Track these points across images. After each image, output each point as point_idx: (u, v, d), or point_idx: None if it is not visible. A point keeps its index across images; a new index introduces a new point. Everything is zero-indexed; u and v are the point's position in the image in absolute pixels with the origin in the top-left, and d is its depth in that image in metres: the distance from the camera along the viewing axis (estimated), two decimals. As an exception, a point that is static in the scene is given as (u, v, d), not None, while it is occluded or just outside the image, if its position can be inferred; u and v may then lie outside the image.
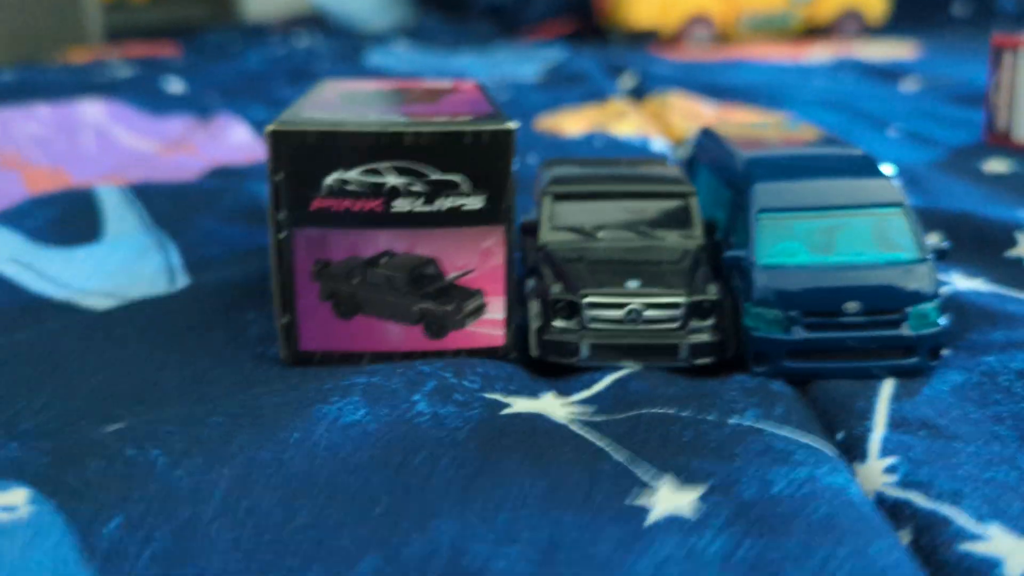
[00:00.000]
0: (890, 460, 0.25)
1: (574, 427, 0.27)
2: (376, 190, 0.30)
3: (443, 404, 0.28)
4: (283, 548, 0.22)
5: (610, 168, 0.37)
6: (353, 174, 0.29)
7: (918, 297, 0.30)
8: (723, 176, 0.35)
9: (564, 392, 0.30)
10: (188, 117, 0.80)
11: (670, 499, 0.24)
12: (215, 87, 0.95)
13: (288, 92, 0.91)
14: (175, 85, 0.93)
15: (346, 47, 1.41)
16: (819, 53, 1.29)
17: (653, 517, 0.23)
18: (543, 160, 0.38)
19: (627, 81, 1.02)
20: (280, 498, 0.23)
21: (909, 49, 1.30)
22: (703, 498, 0.24)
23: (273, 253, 0.30)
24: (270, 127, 0.29)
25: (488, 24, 1.61)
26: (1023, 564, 0.20)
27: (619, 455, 0.26)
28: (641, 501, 0.23)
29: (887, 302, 0.30)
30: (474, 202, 0.30)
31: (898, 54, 1.26)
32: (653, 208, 0.34)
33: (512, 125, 0.30)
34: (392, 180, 0.29)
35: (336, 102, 0.34)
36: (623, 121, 0.75)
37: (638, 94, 0.94)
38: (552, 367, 0.32)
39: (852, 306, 0.30)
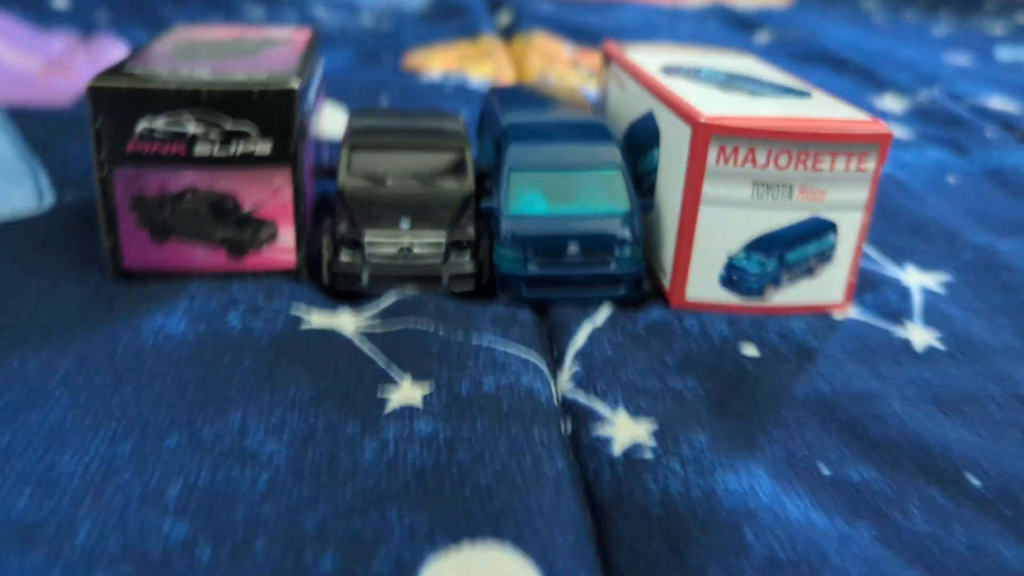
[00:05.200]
0: (576, 368, 0.34)
1: (356, 340, 0.35)
2: (179, 137, 0.37)
3: (253, 320, 0.36)
4: (109, 416, 0.29)
5: (405, 121, 0.45)
6: (159, 123, 0.36)
7: (623, 242, 0.39)
8: (492, 134, 0.44)
9: (358, 310, 0.38)
10: (71, 34, 0.84)
11: (407, 393, 0.32)
12: (103, 4, 0.98)
13: (172, 15, 0.95)
14: (60, 1, 0.95)
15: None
16: (696, -3, 1.37)
17: (391, 407, 0.31)
18: (352, 111, 0.45)
19: (504, 18, 1.09)
20: (110, 380, 0.31)
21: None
22: (431, 393, 0.32)
23: (97, 188, 0.37)
24: (90, 83, 0.36)
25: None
26: (628, 437, 0.29)
27: (381, 362, 0.34)
28: (386, 396, 0.32)
29: (598, 245, 0.39)
30: (263, 147, 0.37)
31: (771, 3, 1.34)
32: (434, 159, 0.42)
33: (294, 85, 0.37)
34: (192, 128, 0.36)
35: (167, 54, 0.41)
36: (482, 63, 0.82)
37: (508, 34, 1.01)
38: (348, 293, 0.40)
39: (573, 248, 0.38)
